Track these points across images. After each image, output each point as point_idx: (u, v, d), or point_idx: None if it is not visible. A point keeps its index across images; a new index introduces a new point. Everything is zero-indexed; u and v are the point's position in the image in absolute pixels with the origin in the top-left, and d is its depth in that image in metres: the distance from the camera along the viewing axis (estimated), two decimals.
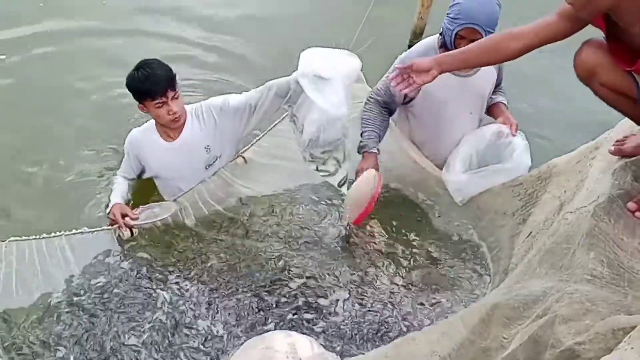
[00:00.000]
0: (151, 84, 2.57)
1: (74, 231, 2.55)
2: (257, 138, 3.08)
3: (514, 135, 2.78)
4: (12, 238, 2.39)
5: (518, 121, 2.88)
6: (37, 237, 2.46)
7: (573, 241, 1.82)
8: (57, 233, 2.51)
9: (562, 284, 1.76)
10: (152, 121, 2.81)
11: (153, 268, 2.62)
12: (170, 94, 2.61)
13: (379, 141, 2.87)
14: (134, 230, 2.65)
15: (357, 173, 2.76)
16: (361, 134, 2.88)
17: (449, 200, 2.82)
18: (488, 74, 2.94)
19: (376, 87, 2.97)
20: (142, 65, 2.61)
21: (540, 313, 1.71)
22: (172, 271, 2.62)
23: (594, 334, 1.55)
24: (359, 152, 2.85)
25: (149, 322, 2.40)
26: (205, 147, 2.83)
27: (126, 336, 2.35)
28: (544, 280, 1.87)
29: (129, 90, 2.65)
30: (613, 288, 1.67)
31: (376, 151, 2.82)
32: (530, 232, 2.22)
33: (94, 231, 2.60)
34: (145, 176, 2.94)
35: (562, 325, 1.57)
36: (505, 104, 3.04)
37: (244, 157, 2.99)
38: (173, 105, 2.63)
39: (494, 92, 3.05)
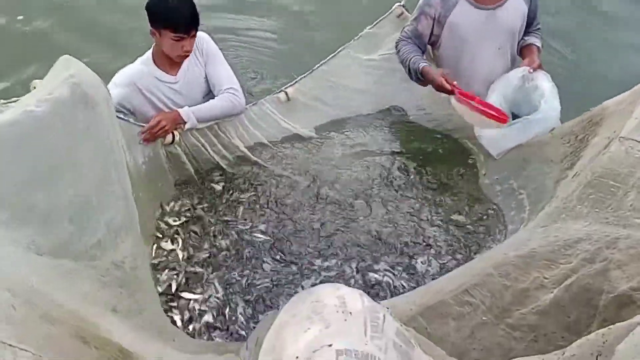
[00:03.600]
0: (180, 17, 2.48)
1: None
2: (301, 77, 3.05)
3: (530, 72, 2.69)
4: None
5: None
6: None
7: (624, 181, 1.70)
8: None
9: (609, 227, 1.67)
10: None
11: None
12: (192, 32, 2.54)
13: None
14: (175, 134, 2.60)
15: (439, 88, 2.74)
16: (408, 63, 2.85)
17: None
18: (516, 5, 2.81)
19: (404, 30, 2.92)
20: None
21: (589, 257, 1.65)
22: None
23: None
24: (417, 76, 2.81)
25: None
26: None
27: None
28: (586, 222, 1.77)
29: (150, 11, 2.52)
30: None
31: (427, 63, 2.79)
32: (576, 172, 2.09)
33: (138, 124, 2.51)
34: None
35: (617, 270, 1.51)
36: (537, 47, 2.91)
37: (286, 93, 2.97)
38: (189, 43, 2.57)
39: (528, 33, 2.92)
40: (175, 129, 2.59)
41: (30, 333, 1.22)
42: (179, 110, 2.61)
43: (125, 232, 1.88)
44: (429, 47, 3.02)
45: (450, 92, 2.69)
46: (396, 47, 2.94)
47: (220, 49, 2.81)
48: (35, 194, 1.54)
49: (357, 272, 2.44)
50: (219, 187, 2.78)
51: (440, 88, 2.73)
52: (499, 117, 2.59)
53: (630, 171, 1.69)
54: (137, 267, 1.88)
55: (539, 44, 2.93)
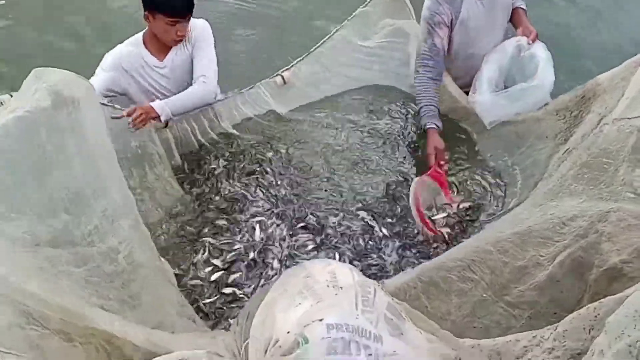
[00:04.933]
0: (177, 1, 2.51)
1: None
2: (298, 60, 3.08)
3: (530, 44, 2.71)
4: None
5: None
6: None
7: (615, 157, 1.71)
8: None
9: (602, 202, 1.68)
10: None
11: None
12: (187, 15, 2.57)
13: (438, 113, 2.81)
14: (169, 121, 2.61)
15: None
16: (419, 109, 2.85)
17: (486, 130, 2.80)
18: None
19: (421, 55, 2.89)
20: None
21: (582, 232, 1.66)
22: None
23: (638, 253, 1.52)
24: (422, 127, 2.81)
25: None
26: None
27: None
28: (581, 199, 1.78)
29: None
30: None
31: (434, 127, 2.76)
32: (568, 149, 2.12)
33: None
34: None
35: (607, 242, 1.51)
36: (523, 9, 2.95)
37: (283, 77, 2.99)
38: (183, 27, 2.59)
39: None
40: (154, 119, 2.57)
41: (13, 334, 1.22)
42: (153, 104, 2.57)
43: (121, 218, 1.88)
44: None
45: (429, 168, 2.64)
46: (415, 76, 2.92)
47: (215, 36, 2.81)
48: (27, 193, 1.56)
49: (361, 234, 2.52)
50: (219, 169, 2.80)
51: (427, 157, 2.71)
52: (431, 229, 2.50)
53: (621, 146, 1.69)
54: (134, 252, 1.88)
55: (524, 5, 2.97)
